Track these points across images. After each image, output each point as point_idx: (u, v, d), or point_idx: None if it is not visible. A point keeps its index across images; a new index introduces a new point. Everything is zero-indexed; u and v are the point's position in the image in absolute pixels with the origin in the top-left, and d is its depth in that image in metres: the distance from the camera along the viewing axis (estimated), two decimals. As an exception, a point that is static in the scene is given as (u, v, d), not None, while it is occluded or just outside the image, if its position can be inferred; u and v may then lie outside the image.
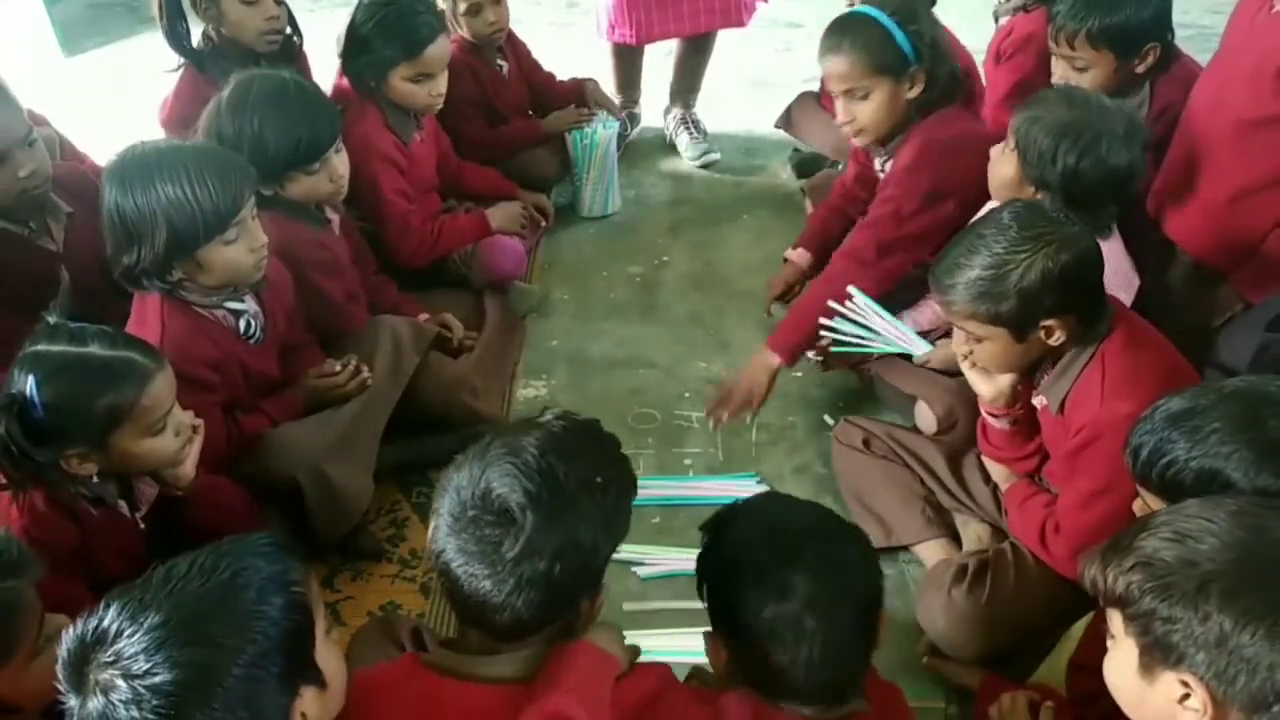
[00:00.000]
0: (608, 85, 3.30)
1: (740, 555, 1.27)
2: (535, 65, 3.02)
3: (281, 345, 2.02)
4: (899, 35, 2.06)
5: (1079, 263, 1.52)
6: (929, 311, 2.19)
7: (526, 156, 2.94)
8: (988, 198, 2.00)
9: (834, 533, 1.30)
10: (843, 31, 2.11)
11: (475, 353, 2.39)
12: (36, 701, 1.25)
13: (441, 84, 2.41)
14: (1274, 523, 1.04)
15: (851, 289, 2.09)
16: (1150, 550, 1.05)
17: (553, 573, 1.12)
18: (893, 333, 2.09)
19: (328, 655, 1.11)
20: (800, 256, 2.58)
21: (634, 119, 3.41)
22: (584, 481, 1.16)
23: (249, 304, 1.90)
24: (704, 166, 3.27)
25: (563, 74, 3.08)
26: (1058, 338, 1.58)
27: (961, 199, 2.08)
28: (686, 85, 3.31)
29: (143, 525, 1.65)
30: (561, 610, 1.18)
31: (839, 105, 2.17)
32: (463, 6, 2.66)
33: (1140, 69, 2.12)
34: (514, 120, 2.94)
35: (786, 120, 3.10)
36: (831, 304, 2.08)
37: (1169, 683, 1.03)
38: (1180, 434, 1.27)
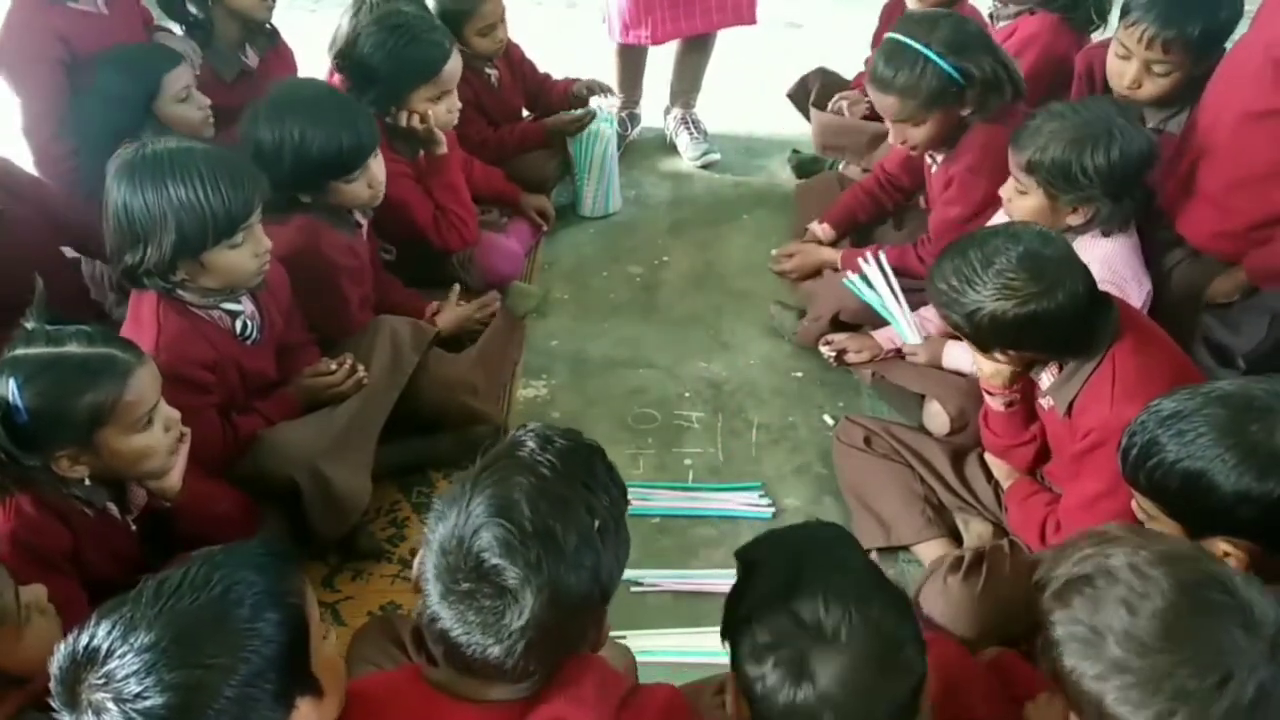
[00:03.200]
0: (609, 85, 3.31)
1: (758, 617, 1.09)
2: (531, 68, 3.01)
3: (279, 345, 2.01)
4: (950, 70, 2.04)
5: (1034, 319, 1.55)
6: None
7: (526, 158, 2.94)
8: None
9: (873, 596, 1.08)
10: (891, 70, 2.07)
11: (474, 353, 2.39)
12: (38, 670, 1.25)
13: (456, 98, 2.40)
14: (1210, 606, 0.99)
15: (878, 255, 2.20)
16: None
17: (562, 629, 1.09)
18: (896, 310, 2.14)
19: (325, 662, 1.10)
20: (825, 232, 2.60)
21: (634, 119, 3.40)
22: (583, 534, 1.08)
23: (245, 304, 1.90)
24: (704, 167, 3.26)
25: (562, 74, 3.07)
26: (1013, 364, 1.67)
27: None
28: (687, 85, 3.31)
29: (134, 527, 1.65)
30: (572, 650, 1.15)
31: (891, 128, 2.17)
32: (478, 27, 2.65)
33: (1202, 72, 2.11)
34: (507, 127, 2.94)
35: (801, 91, 3.08)
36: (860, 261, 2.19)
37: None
38: (1168, 437, 1.29)
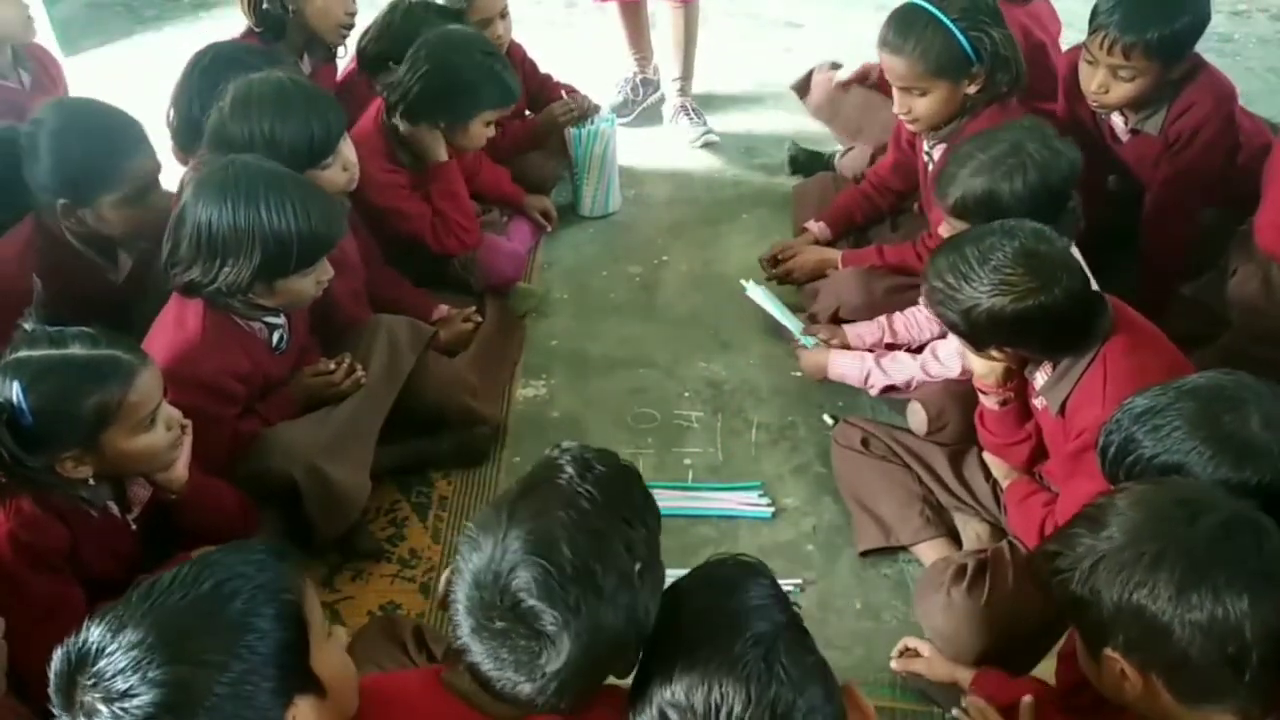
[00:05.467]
0: (621, 49, 3.35)
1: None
2: (533, 68, 3.03)
3: (298, 352, 2.02)
4: (962, 39, 2.07)
5: (1031, 316, 1.55)
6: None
7: (527, 158, 2.95)
8: None
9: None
10: (906, 31, 2.10)
11: (473, 352, 2.40)
12: None
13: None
14: (1166, 498, 1.15)
15: (749, 284, 2.44)
16: (1065, 540, 1.18)
17: (597, 669, 1.07)
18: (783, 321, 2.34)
19: (329, 661, 1.09)
20: (821, 231, 2.62)
21: (648, 84, 3.43)
22: (622, 575, 1.06)
23: (281, 317, 1.91)
24: (704, 147, 3.27)
25: (562, 73, 3.08)
26: (1008, 361, 1.68)
27: None
28: (678, 70, 3.33)
29: (134, 527, 1.65)
30: (603, 682, 1.13)
31: (896, 96, 2.20)
32: (474, 19, 2.66)
33: (1175, 76, 2.13)
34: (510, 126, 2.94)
35: (805, 86, 3.08)
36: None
37: (1109, 660, 1.14)
38: (1144, 432, 1.31)
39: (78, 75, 3.83)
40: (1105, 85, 2.14)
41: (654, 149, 3.35)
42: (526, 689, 1.05)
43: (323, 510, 1.91)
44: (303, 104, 2.00)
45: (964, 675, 1.65)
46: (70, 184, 1.84)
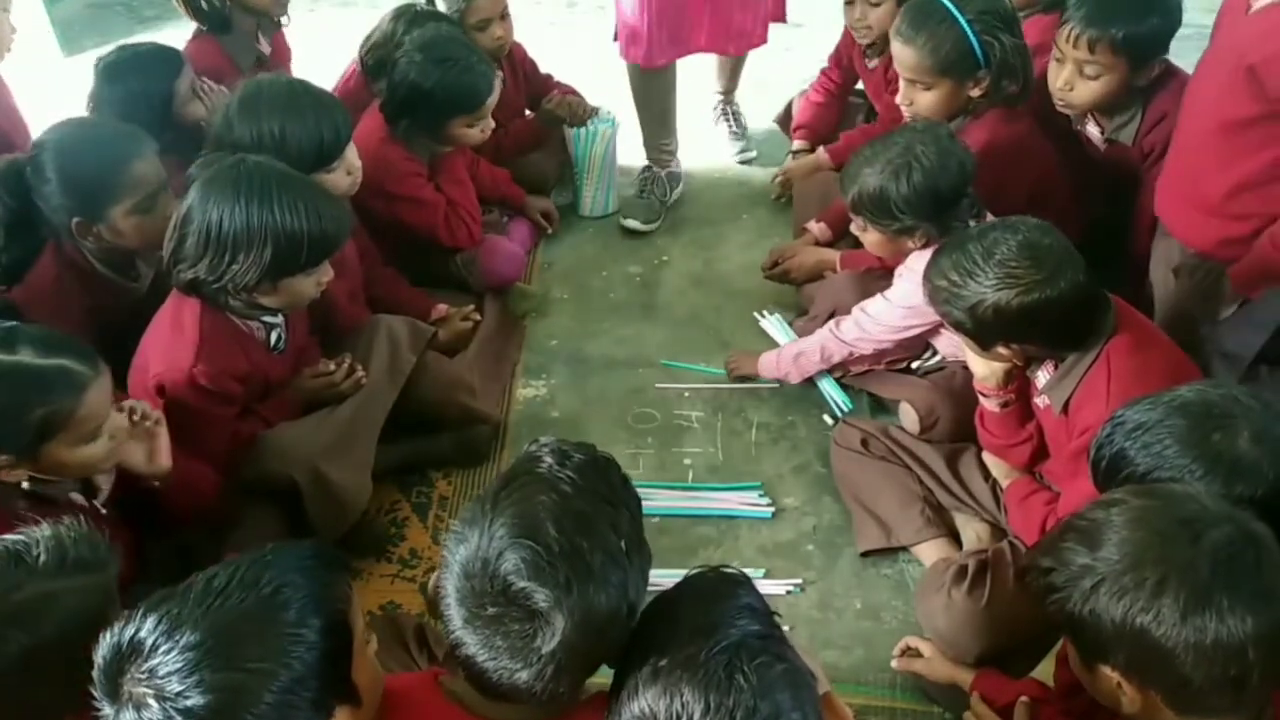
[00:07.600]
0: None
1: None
2: (533, 68, 3.02)
3: (297, 352, 2.02)
4: (974, 41, 2.08)
5: (1037, 308, 1.56)
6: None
7: (527, 158, 2.94)
8: (1042, 198, 2.03)
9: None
10: (921, 25, 2.12)
11: (473, 352, 2.40)
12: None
13: (490, 119, 2.44)
14: (1165, 517, 1.12)
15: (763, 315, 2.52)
16: (1056, 555, 1.17)
17: (592, 650, 1.07)
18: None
19: (365, 669, 1.09)
20: (821, 231, 2.62)
21: (674, 179, 3.36)
22: (609, 552, 1.06)
23: (279, 317, 1.91)
24: (743, 163, 3.25)
25: (563, 74, 3.08)
26: (1013, 358, 1.67)
27: (1014, 198, 2.10)
28: (726, 77, 3.29)
29: (104, 510, 1.59)
30: (600, 665, 1.13)
31: (901, 85, 2.22)
32: (472, 21, 2.66)
33: (1142, 82, 2.12)
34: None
35: (786, 117, 3.10)
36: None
37: (1106, 674, 1.14)
38: (1136, 449, 1.31)
39: (78, 75, 3.84)
40: (1070, 83, 2.13)
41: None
42: (523, 675, 1.04)
43: (323, 511, 1.91)
44: (312, 107, 2.00)
45: (964, 676, 1.65)
46: (80, 199, 1.83)
